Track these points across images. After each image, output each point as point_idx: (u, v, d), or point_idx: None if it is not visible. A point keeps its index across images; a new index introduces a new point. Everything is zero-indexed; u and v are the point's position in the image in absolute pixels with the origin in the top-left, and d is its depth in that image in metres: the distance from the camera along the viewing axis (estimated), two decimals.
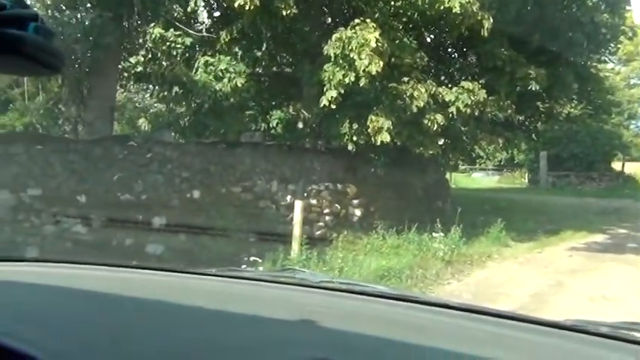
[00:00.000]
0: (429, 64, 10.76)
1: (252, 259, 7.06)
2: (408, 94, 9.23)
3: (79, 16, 8.25)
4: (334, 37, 8.97)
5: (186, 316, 1.28)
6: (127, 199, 7.84)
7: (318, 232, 9.49)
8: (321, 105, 9.05)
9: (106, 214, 7.44)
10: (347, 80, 8.63)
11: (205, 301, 1.41)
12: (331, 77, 8.85)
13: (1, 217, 6.76)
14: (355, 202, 10.45)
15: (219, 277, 1.76)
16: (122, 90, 11.78)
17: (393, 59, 9.21)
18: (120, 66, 9.87)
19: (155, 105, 12.62)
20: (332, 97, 8.84)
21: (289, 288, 1.64)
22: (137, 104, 12.65)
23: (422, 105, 9.21)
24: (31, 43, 0.58)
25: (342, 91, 8.85)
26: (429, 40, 11.58)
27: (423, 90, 9.29)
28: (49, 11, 8.45)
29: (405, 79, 9.39)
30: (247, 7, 8.53)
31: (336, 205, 10.09)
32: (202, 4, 11.24)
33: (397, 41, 9.38)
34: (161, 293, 1.49)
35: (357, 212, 10.42)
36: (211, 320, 1.27)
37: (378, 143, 9.02)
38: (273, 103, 12.25)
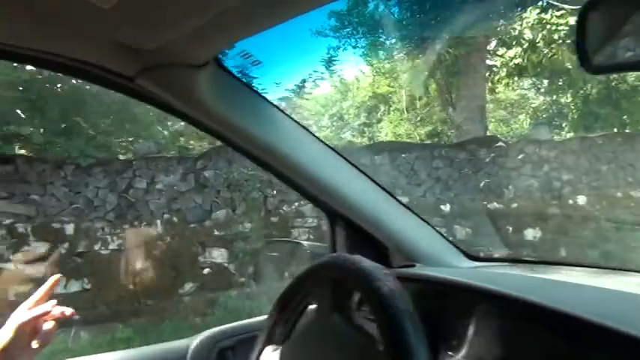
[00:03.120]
0: None
1: None
2: None
3: (438, 16, 7.82)
4: None
5: None
6: (495, 207, 6.98)
7: None
8: None
9: (471, 224, 6.77)
10: None
11: None
12: None
13: None
14: None
15: None
16: (492, 85, 10.91)
17: None
18: (489, 61, 9.10)
19: (534, 98, 11.32)
20: None
21: None
22: (511, 101, 11.59)
23: None
24: None
25: None
26: None
27: None
28: (408, 13, 8.36)
29: None
30: None
31: None
32: None
33: None
34: None
35: None
36: None
37: None
38: None
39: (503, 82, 10.36)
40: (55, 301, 1.03)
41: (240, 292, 6.20)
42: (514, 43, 9.40)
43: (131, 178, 6.32)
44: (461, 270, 1.28)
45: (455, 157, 7.13)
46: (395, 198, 1.27)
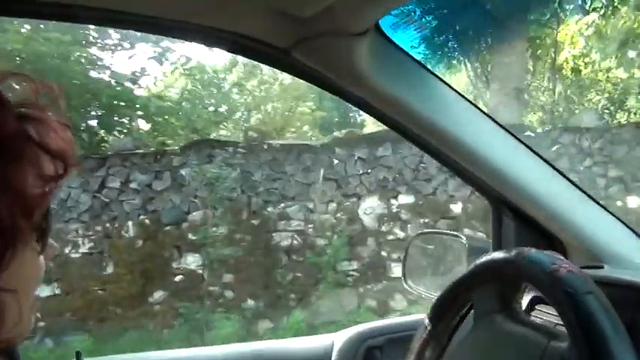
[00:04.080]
0: None
1: None
2: None
3: None
4: None
5: None
6: None
7: None
8: None
9: (487, 227, 5.77)
10: None
11: None
12: None
13: (368, 226, 6.08)
14: None
15: None
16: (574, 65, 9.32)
17: None
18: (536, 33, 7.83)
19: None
20: None
21: None
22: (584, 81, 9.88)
23: None
24: None
25: None
26: None
27: None
28: None
29: None
30: None
31: None
32: None
33: None
34: None
35: None
36: None
37: None
38: None
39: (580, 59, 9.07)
40: None
41: (212, 304, 5.68)
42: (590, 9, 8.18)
43: (104, 176, 5.95)
44: None
45: None
46: (579, 188, 1.11)
